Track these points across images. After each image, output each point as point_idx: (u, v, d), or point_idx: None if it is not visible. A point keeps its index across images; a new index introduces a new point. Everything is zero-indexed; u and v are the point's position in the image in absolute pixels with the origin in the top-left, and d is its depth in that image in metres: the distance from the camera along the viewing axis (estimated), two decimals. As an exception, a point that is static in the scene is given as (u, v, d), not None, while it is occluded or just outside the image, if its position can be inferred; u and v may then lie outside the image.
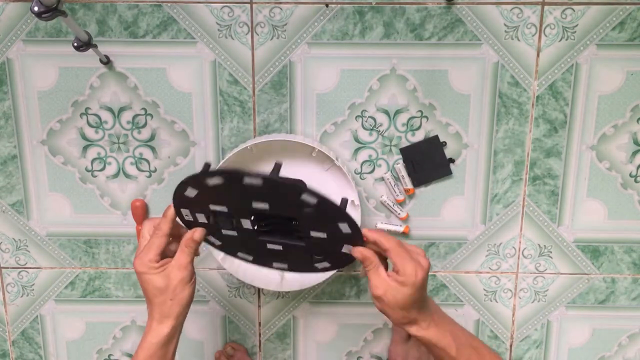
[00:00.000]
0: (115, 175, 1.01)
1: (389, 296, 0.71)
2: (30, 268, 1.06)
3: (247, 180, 0.66)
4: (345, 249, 0.74)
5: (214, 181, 0.68)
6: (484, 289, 1.06)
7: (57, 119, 0.98)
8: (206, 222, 0.75)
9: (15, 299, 1.07)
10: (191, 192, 0.70)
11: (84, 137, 0.99)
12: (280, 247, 0.76)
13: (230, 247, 0.81)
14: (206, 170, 0.68)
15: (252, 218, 0.73)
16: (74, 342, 1.09)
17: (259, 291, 1.07)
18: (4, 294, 1.07)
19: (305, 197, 0.67)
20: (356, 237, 0.72)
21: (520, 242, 1.03)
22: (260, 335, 1.09)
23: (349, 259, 0.76)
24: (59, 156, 1.00)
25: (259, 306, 1.08)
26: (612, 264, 1.04)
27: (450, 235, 1.02)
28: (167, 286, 0.73)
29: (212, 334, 1.09)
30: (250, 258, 0.82)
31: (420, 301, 0.73)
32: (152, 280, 0.73)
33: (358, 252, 0.73)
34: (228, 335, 1.09)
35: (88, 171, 1.01)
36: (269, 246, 0.76)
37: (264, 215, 0.72)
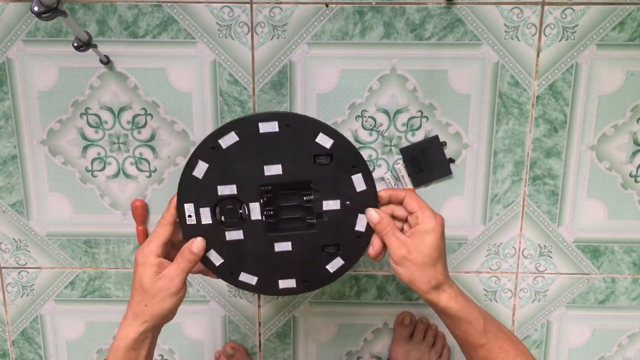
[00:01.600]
0: (115, 175, 1.01)
1: (414, 253, 0.68)
2: (30, 268, 1.06)
3: (264, 127, 0.70)
4: (359, 225, 0.74)
5: (228, 140, 0.71)
6: (484, 289, 1.06)
7: (57, 119, 0.98)
8: (210, 222, 0.73)
9: (15, 299, 1.07)
10: (201, 169, 0.72)
11: (84, 137, 0.99)
12: (289, 247, 0.75)
13: (232, 266, 0.77)
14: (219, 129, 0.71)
15: (262, 201, 0.73)
16: (74, 342, 1.09)
17: (259, 291, 1.07)
18: (4, 294, 1.07)
19: (321, 139, 0.71)
20: (370, 196, 0.74)
21: (520, 242, 1.03)
22: (260, 335, 1.09)
23: (362, 245, 0.75)
24: (59, 156, 1.00)
25: (259, 306, 1.08)
26: (612, 264, 1.04)
27: (450, 235, 1.02)
28: (149, 290, 0.68)
29: (212, 334, 1.09)
30: (255, 280, 0.78)
31: (444, 254, 0.71)
32: (142, 274, 0.68)
33: (373, 213, 0.72)
34: (228, 335, 1.09)
35: (88, 171, 1.01)
36: (277, 248, 0.75)
37: (275, 194, 0.74)
